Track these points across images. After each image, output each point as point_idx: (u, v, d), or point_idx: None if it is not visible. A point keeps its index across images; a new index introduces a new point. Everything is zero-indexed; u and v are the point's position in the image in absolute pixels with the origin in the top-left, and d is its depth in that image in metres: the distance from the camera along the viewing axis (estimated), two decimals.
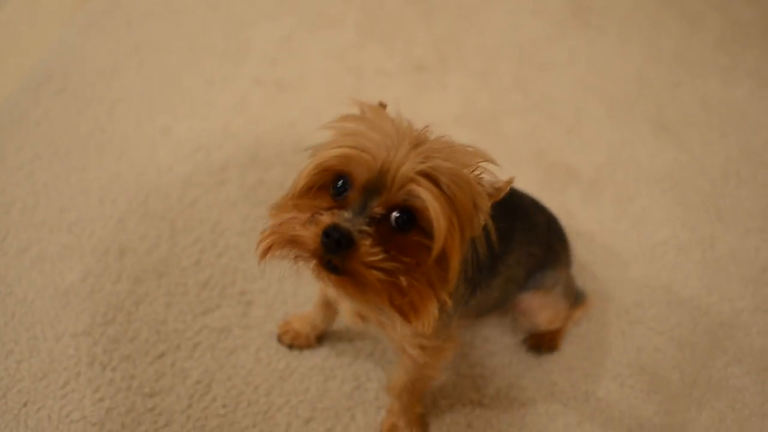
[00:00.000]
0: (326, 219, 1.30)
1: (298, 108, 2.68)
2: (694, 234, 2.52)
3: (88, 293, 2.18)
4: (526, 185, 2.42)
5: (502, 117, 2.71)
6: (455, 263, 1.34)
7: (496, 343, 2.19)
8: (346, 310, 1.82)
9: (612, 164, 2.72)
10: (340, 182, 1.36)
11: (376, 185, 1.31)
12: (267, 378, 2.09)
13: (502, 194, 1.42)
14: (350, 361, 2.13)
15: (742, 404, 2.15)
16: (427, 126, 1.44)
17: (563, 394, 2.11)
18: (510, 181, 1.44)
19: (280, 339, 2.19)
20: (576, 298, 2.18)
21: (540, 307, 2.10)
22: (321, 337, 2.19)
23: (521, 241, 1.92)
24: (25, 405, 1.97)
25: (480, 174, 1.38)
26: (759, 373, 2.21)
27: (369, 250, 1.28)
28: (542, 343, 2.24)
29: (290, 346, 2.17)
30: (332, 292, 1.55)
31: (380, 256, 1.29)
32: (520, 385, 2.12)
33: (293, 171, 2.28)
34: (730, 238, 2.52)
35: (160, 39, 3.03)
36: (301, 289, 2.25)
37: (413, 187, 1.29)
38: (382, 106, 1.53)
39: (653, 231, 2.53)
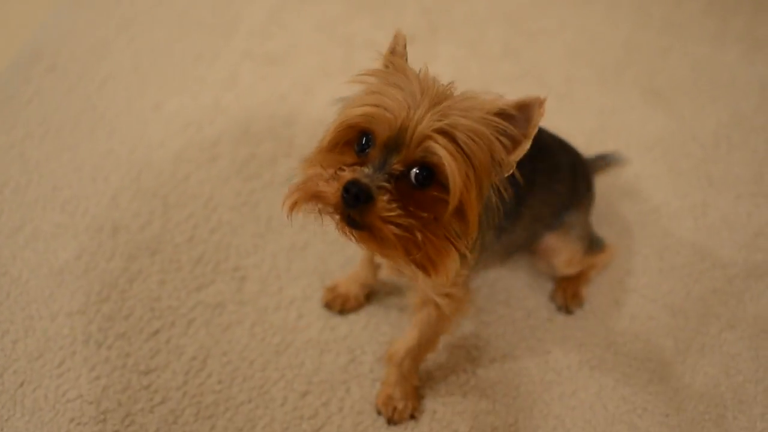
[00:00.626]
0: (347, 175, 1.34)
1: (288, 81, 2.68)
2: (685, 201, 2.52)
3: (83, 271, 2.19)
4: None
5: (492, 85, 2.68)
6: (474, 217, 1.39)
7: (490, 314, 2.20)
8: (385, 263, 1.86)
9: (603, 131, 2.73)
10: (363, 139, 1.40)
11: (396, 143, 1.35)
12: (262, 353, 2.10)
13: (529, 142, 1.45)
14: (345, 334, 2.14)
15: (735, 370, 2.17)
16: (452, 82, 1.48)
17: (557, 363, 2.12)
18: (538, 114, 1.45)
19: (328, 306, 2.23)
20: (594, 244, 2.23)
21: (559, 249, 2.15)
22: (369, 295, 2.23)
23: (543, 183, 1.96)
24: (21, 385, 1.98)
25: (502, 125, 1.40)
26: (752, 338, 2.22)
27: (386, 206, 1.32)
28: (566, 296, 2.28)
29: (341, 312, 2.21)
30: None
31: (396, 212, 1.33)
32: (514, 355, 2.13)
33: (285, 144, 2.30)
34: (722, 204, 2.52)
35: (150, 15, 3.02)
36: (294, 264, 2.26)
37: (430, 144, 1.33)
38: (401, 39, 1.57)
39: (645, 198, 2.53)
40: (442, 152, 1.32)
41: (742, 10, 3.32)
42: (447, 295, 1.76)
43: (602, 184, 2.53)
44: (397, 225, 1.34)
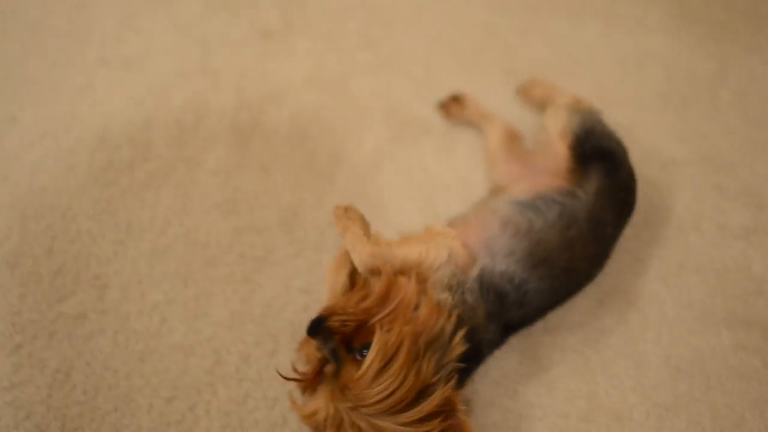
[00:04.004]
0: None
1: (144, 86, 2.65)
2: None
3: None
4: (377, 144, 2.43)
5: (351, 78, 2.71)
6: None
7: None
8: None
9: None
10: None
11: None
12: (126, 361, 2.08)
13: None
14: (209, 336, 2.14)
15: (605, 345, 2.28)
16: None
17: None
18: None
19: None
20: None
21: None
22: None
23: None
24: None
25: None
26: (621, 312, 2.34)
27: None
28: None
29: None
30: None
31: None
32: None
33: (142, 149, 2.29)
34: None
35: (1, 26, 2.96)
36: (155, 268, 2.24)
37: None
38: None
39: None
40: None
41: None
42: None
43: (464, 166, 2.56)
44: None
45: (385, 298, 1.77)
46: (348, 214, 1.84)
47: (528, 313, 2.07)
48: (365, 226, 1.86)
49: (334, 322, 1.66)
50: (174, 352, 2.12)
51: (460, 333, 1.83)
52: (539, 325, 2.19)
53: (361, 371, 1.65)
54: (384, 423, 1.67)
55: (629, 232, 2.36)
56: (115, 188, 2.38)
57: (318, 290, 2.23)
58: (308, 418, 1.71)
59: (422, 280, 1.85)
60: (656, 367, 2.18)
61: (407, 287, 1.79)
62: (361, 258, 1.86)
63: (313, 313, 2.01)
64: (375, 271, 1.87)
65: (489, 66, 2.88)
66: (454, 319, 1.82)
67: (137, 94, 2.65)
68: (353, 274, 2.00)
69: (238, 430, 2.01)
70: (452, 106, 2.63)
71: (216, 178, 2.44)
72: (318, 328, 1.66)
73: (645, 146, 2.67)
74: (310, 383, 1.80)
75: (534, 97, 2.52)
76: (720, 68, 2.92)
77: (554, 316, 2.22)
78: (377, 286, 1.80)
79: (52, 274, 2.21)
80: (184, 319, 2.17)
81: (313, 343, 1.69)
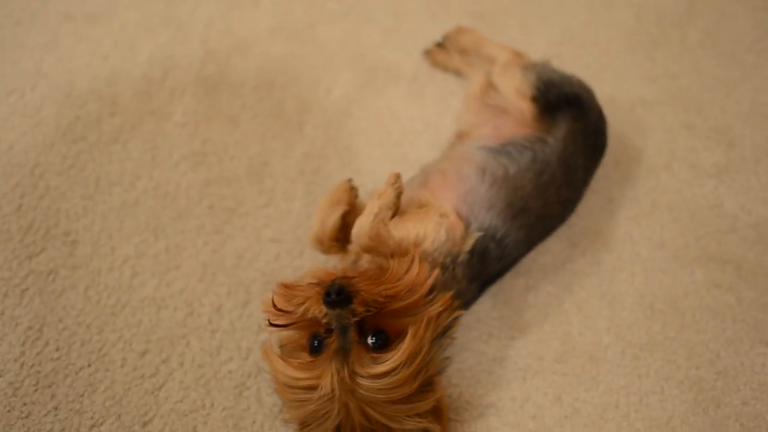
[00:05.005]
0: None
1: (109, 40, 2.63)
2: None
3: None
4: (346, 91, 2.42)
5: (318, 25, 2.69)
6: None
7: None
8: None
9: None
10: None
11: None
12: (98, 316, 2.08)
13: None
14: (181, 288, 2.14)
15: (579, 287, 2.32)
16: None
17: None
18: None
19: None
20: None
21: None
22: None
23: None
24: None
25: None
26: (593, 253, 2.34)
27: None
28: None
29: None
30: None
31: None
32: None
33: (109, 104, 2.27)
34: None
35: None
36: (125, 222, 2.24)
37: None
38: None
39: None
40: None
41: None
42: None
43: (432, 112, 2.58)
44: None
45: (413, 288, 1.76)
46: (394, 186, 1.83)
47: (506, 265, 2.09)
48: (396, 205, 1.85)
49: (359, 305, 1.60)
50: (146, 305, 2.11)
51: (457, 323, 1.86)
52: (512, 269, 2.16)
53: (382, 368, 1.65)
54: (380, 408, 1.70)
55: (600, 173, 2.36)
56: (83, 144, 2.36)
57: (288, 239, 2.24)
58: (302, 388, 1.69)
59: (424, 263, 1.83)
60: (630, 307, 2.19)
61: (423, 275, 1.78)
62: (360, 231, 1.86)
63: (285, 262, 2.02)
64: (366, 249, 1.87)
65: (457, 10, 2.85)
66: (455, 304, 1.84)
67: (102, 48, 2.62)
68: (345, 215, 2.00)
69: (212, 381, 2.00)
70: (437, 53, 2.60)
71: (184, 131, 2.43)
72: (343, 301, 1.62)
73: (615, 87, 2.67)
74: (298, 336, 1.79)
75: (459, 45, 2.48)
76: (689, 7, 2.91)
77: (527, 259, 2.22)
78: (399, 270, 1.78)
79: (22, 231, 2.19)
80: (155, 273, 2.16)
81: (324, 310, 1.66)
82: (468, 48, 2.51)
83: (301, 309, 1.66)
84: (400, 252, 1.84)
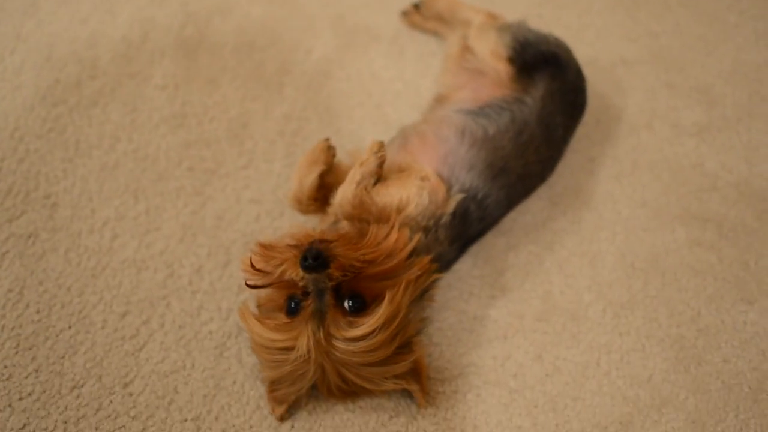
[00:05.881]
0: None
1: (89, 3, 2.62)
2: None
3: None
4: (326, 53, 2.41)
5: None
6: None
7: None
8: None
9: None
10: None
11: None
12: (78, 278, 2.07)
13: None
14: (161, 249, 2.14)
15: (560, 245, 2.32)
16: None
17: None
18: None
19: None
20: None
21: None
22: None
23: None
24: None
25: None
26: (573, 211, 2.37)
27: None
28: None
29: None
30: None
31: None
32: None
33: (88, 67, 2.26)
34: None
35: None
36: (105, 184, 2.23)
37: None
38: None
39: None
40: None
41: None
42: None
43: (413, 73, 2.58)
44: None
45: (391, 253, 1.77)
46: (377, 155, 1.84)
47: (487, 225, 2.09)
48: (378, 173, 1.87)
49: (336, 270, 1.61)
50: (126, 267, 2.11)
51: (436, 285, 1.90)
52: (493, 228, 2.17)
53: (358, 331, 1.67)
54: (357, 370, 1.73)
55: (581, 132, 2.36)
56: (63, 107, 2.36)
57: (268, 200, 2.24)
58: (278, 349, 1.71)
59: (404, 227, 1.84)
60: (611, 266, 2.20)
61: (402, 240, 1.80)
62: (343, 200, 1.88)
63: (265, 223, 2.02)
64: (350, 217, 1.89)
65: None
66: (433, 268, 1.86)
67: (82, 11, 2.61)
68: (323, 175, 2.00)
69: (193, 342, 2.00)
70: (414, 14, 2.60)
71: (164, 93, 2.42)
72: (320, 266, 1.61)
73: (595, 47, 2.67)
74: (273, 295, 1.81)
75: (435, 9, 2.47)
76: None
77: (508, 219, 2.22)
78: (378, 236, 1.80)
79: (2, 194, 2.19)
80: (135, 234, 2.16)
81: (300, 274, 1.66)
82: (443, 12, 2.50)
83: (279, 270, 1.66)
84: (384, 218, 1.83)
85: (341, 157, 2.07)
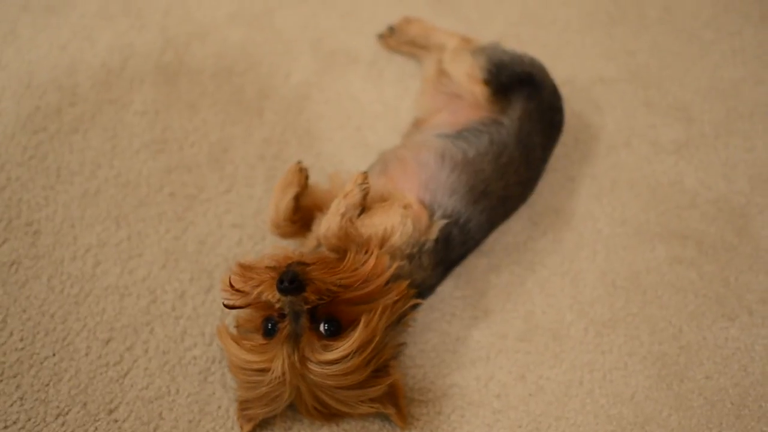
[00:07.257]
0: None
1: (68, 30, 2.62)
2: None
3: None
4: (305, 76, 2.42)
5: (276, 11, 2.68)
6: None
7: None
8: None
9: None
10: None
11: None
12: (61, 305, 2.08)
13: None
14: (144, 276, 2.14)
15: (540, 266, 2.33)
16: None
17: None
18: None
19: None
20: None
21: None
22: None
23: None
24: None
25: None
26: (554, 231, 2.37)
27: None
28: None
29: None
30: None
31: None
32: None
33: (69, 94, 2.26)
34: None
35: None
36: (87, 211, 2.23)
37: None
38: None
39: None
40: None
41: None
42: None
43: (391, 95, 2.59)
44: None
45: (369, 279, 1.78)
46: (361, 187, 1.84)
47: (469, 248, 2.11)
48: (362, 205, 1.88)
49: (312, 294, 1.62)
50: (109, 293, 2.11)
51: (416, 310, 1.93)
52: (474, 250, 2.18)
53: (332, 355, 1.68)
54: (332, 393, 1.75)
55: (560, 151, 2.37)
56: (43, 134, 2.36)
57: (250, 224, 2.24)
58: (254, 370, 1.73)
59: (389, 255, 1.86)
60: (592, 285, 2.21)
61: (381, 267, 1.81)
62: (328, 232, 1.88)
63: (247, 247, 2.03)
64: (335, 249, 1.89)
65: None
66: (411, 293, 1.88)
67: (61, 38, 2.61)
68: (298, 197, 2.03)
69: (177, 367, 2.00)
70: (390, 38, 2.60)
71: (144, 119, 2.42)
72: (296, 289, 1.62)
73: (573, 66, 2.68)
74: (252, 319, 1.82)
75: (408, 35, 2.48)
76: None
77: (489, 240, 2.23)
78: (356, 261, 1.81)
79: None
80: (118, 261, 2.16)
81: (277, 296, 1.67)
82: (417, 38, 2.51)
83: (256, 291, 1.67)
84: (368, 248, 1.83)
85: (322, 180, 2.08)
